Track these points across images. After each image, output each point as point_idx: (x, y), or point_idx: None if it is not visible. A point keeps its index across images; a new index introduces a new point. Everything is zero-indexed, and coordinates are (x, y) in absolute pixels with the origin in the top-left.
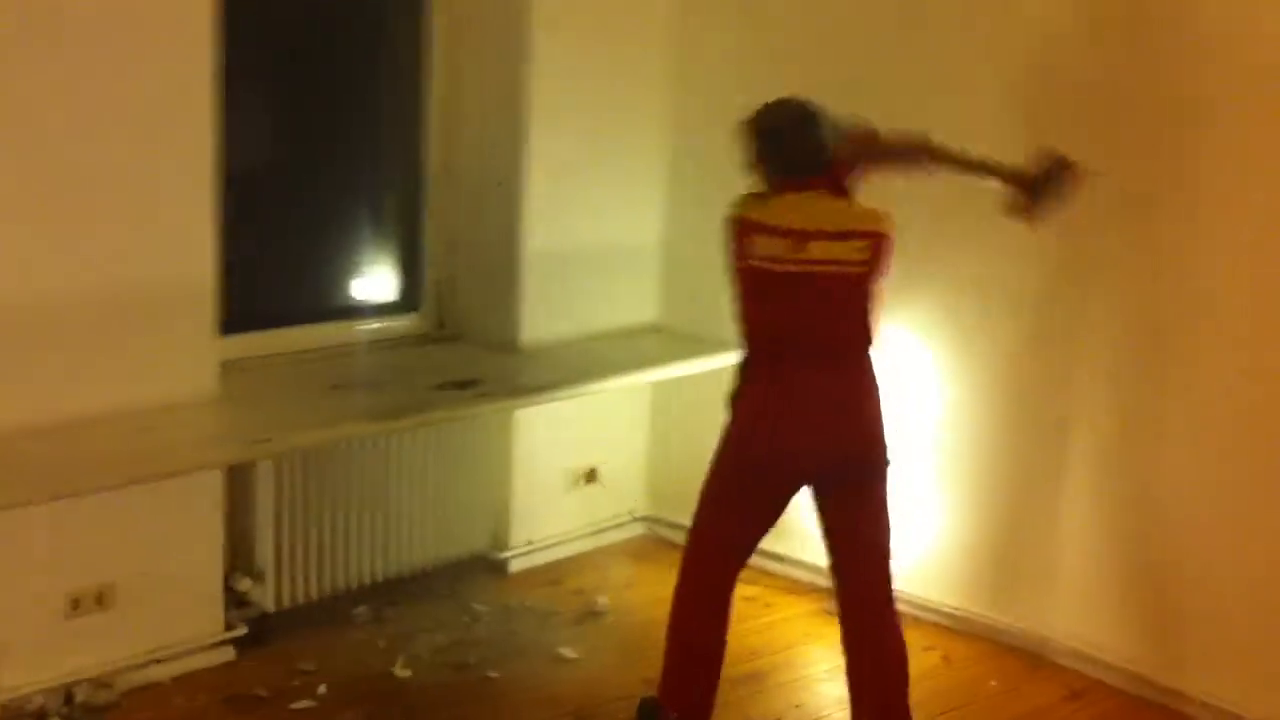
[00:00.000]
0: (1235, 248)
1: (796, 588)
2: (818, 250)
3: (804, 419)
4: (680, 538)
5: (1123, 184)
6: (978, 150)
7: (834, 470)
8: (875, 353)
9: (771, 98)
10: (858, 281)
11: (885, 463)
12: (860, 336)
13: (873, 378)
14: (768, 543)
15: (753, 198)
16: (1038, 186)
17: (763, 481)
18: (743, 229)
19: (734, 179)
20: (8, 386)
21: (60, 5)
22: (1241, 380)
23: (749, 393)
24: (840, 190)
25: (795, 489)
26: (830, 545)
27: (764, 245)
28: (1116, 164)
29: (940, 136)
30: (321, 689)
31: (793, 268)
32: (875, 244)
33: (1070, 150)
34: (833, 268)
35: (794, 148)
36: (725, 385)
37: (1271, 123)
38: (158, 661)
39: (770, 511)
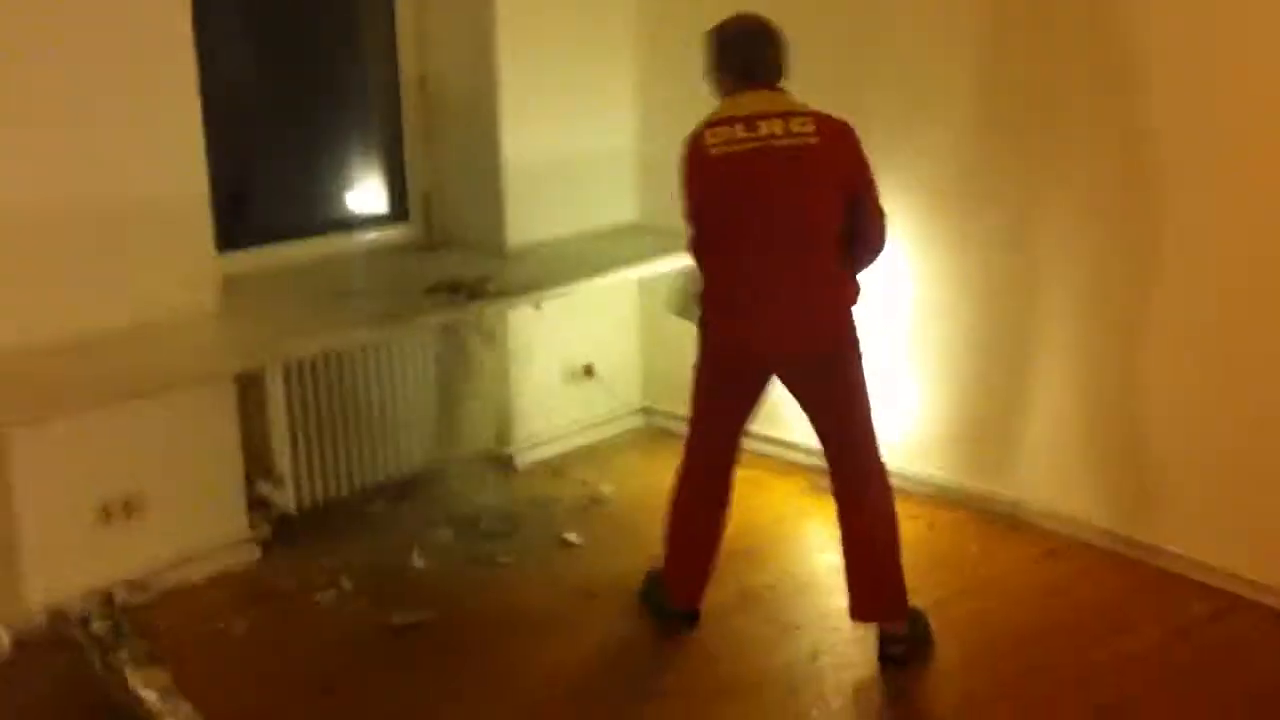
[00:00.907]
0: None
1: (789, 469)
2: (766, 128)
3: (772, 309)
4: (676, 427)
5: (1093, 71)
6: None
7: (806, 360)
8: (853, 255)
9: (739, 9)
10: (820, 158)
11: (853, 348)
12: (823, 222)
13: (840, 274)
14: (760, 426)
15: (710, 115)
16: None
17: (737, 373)
18: (696, 142)
19: (703, 83)
20: (20, 307)
21: None
22: (1212, 258)
23: (717, 290)
24: (782, 91)
25: (768, 375)
26: (814, 425)
27: (715, 135)
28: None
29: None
30: (344, 581)
31: (749, 145)
32: (819, 122)
33: None
34: (785, 139)
35: (750, 57)
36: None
37: None
38: (188, 563)
39: (748, 398)
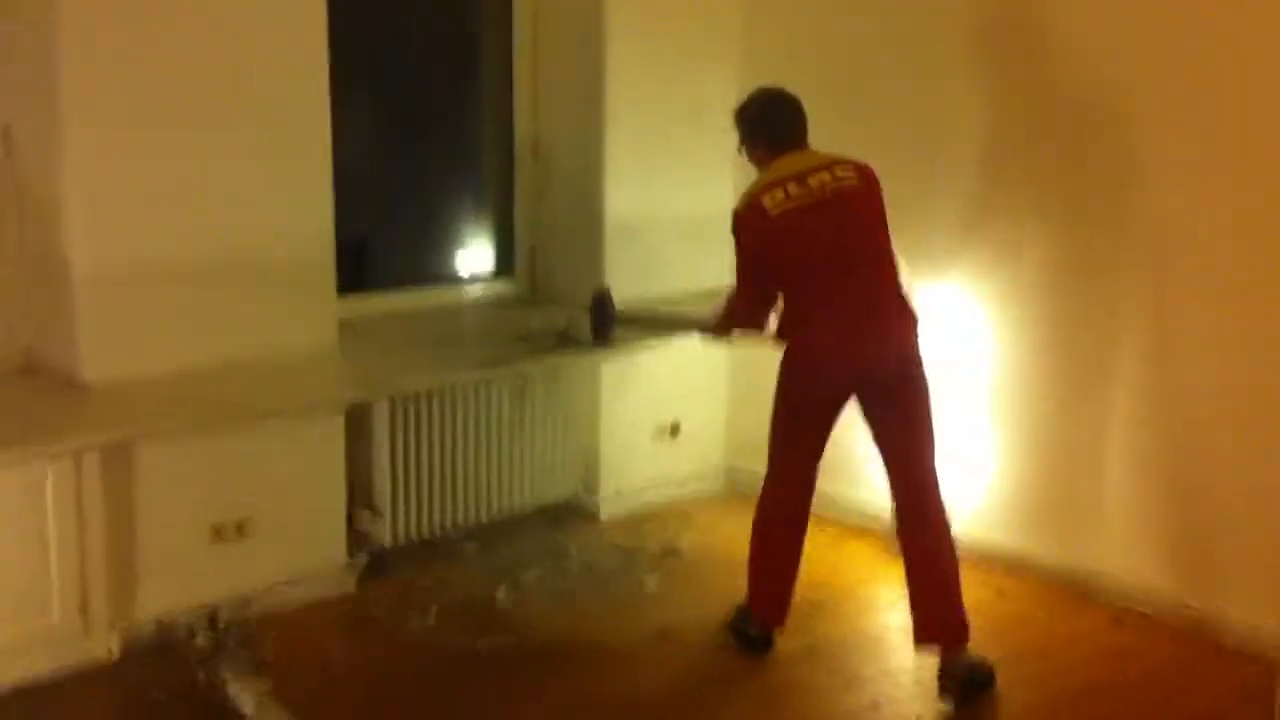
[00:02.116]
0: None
1: (866, 532)
2: (815, 180)
3: (853, 329)
4: (757, 487)
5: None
6: None
7: (885, 371)
8: (901, 276)
9: (833, 81)
10: (864, 195)
11: (924, 369)
12: (881, 251)
13: (900, 292)
14: (839, 488)
15: (754, 183)
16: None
17: (819, 397)
18: (754, 208)
19: None
20: (163, 338)
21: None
22: (1253, 323)
23: (799, 331)
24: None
25: (846, 396)
26: (881, 453)
27: (772, 198)
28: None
29: None
30: (433, 610)
31: (804, 200)
32: (858, 169)
33: None
34: (834, 184)
35: (779, 126)
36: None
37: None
38: (289, 586)
39: (827, 422)
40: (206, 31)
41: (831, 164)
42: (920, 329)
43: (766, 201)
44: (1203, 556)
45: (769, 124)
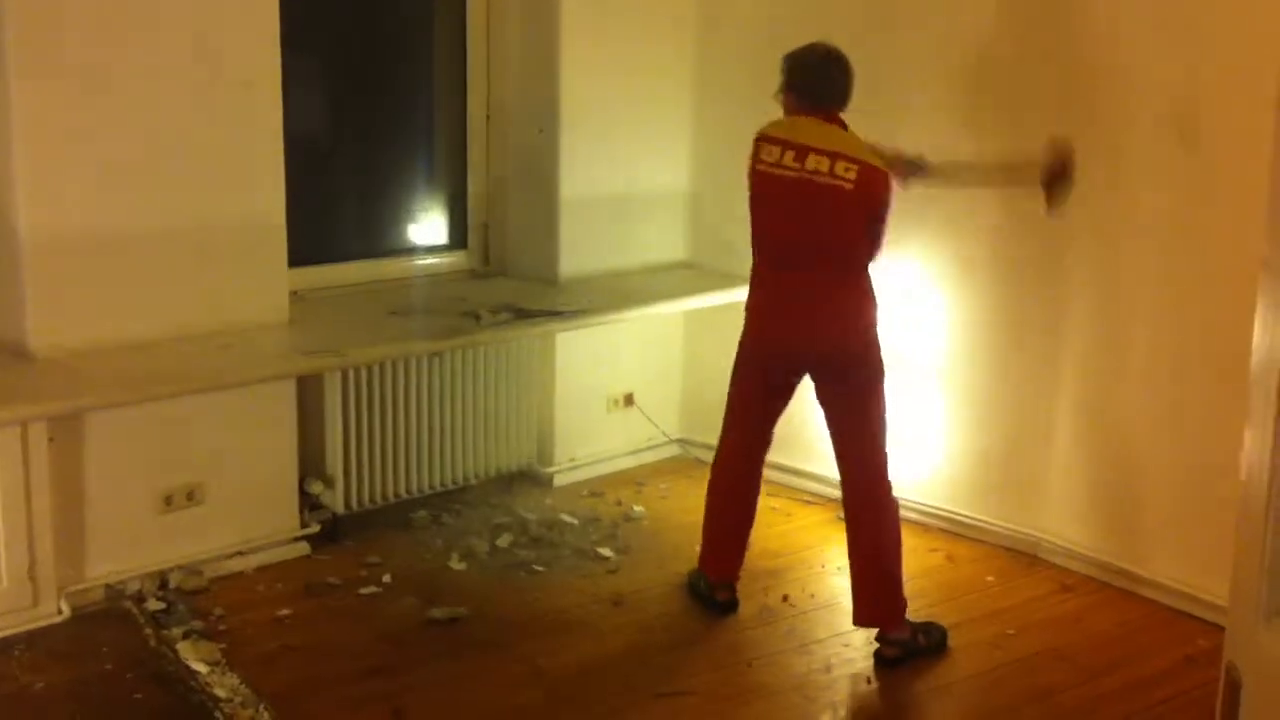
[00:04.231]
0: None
1: (816, 500)
2: (813, 162)
3: (788, 314)
4: (710, 458)
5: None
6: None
7: (817, 362)
8: (870, 274)
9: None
10: (851, 200)
11: (870, 365)
12: (851, 252)
13: (861, 290)
14: (790, 458)
15: (772, 123)
16: (1050, 180)
17: (763, 369)
18: (758, 143)
19: (753, 130)
20: (112, 307)
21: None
22: (1182, 311)
23: (753, 294)
24: (842, 124)
25: (791, 375)
26: (831, 435)
27: (770, 153)
28: (1101, 100)
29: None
30: (386, 578)
31: (792, 174)
32: (862, 170)
33: None
34: (825, 179)
35: (816, 80)
36: None
37: None
38: (241, 554)
39: (776, 396)
40: None
41: (838, 154)
42: (867, 323)
43: (763, 153)
44: (1145, 526)
45: (804, 74)
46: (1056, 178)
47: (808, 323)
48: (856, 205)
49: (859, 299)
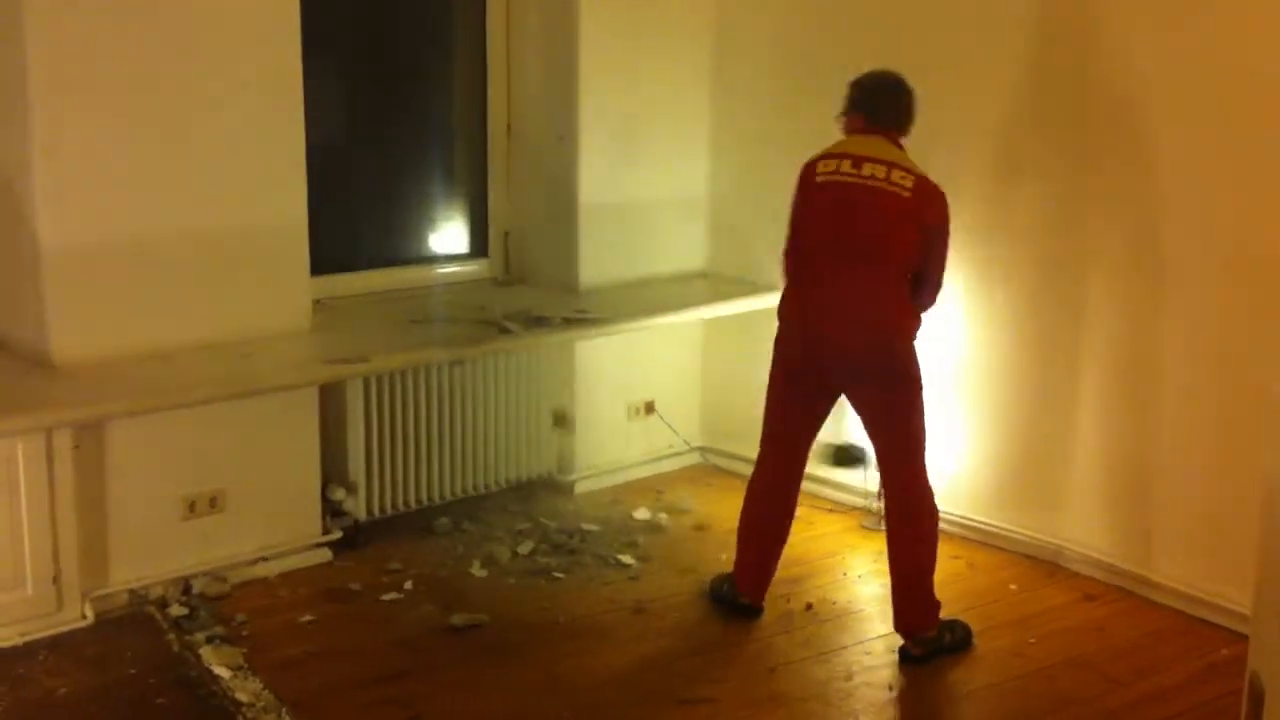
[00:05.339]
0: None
1: (837, 508)
2: (869, 169)
3: (835, 308)
4: (730, 465)
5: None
6: None
7: (861, 359)
8: (915, 294)
9: (808, 65)
10: (906, 207)
11: (911, 375)
12: (900, 257)
13: (905, 299)
14: (810, 465)
15: (827, 148)
16: None
17: (803, 369)
18: (809, 168)
19: (771, 140)
20: (134, 315)
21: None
22: (1219, 317)
23: (793, 296)
24: (899, 145)
25: (830, 378)
26: (875, 450)
27: (826, 165)
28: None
29: None
30: (407, 584)
31: (849, 179)
32: (919, 181)
33: None
34: (881, 183)
35: (883, 103)
36: (772, 325)
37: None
38: (263, 560)
39: (815, 407)
40: (178, 7)
41: (895, 164)
42: (908, 336)
43: (820, 168)
44: (1167, 533)
45: (865, 96)
46: None
47: (855, 316)
48: (910, 215)
49: (904, 305)
